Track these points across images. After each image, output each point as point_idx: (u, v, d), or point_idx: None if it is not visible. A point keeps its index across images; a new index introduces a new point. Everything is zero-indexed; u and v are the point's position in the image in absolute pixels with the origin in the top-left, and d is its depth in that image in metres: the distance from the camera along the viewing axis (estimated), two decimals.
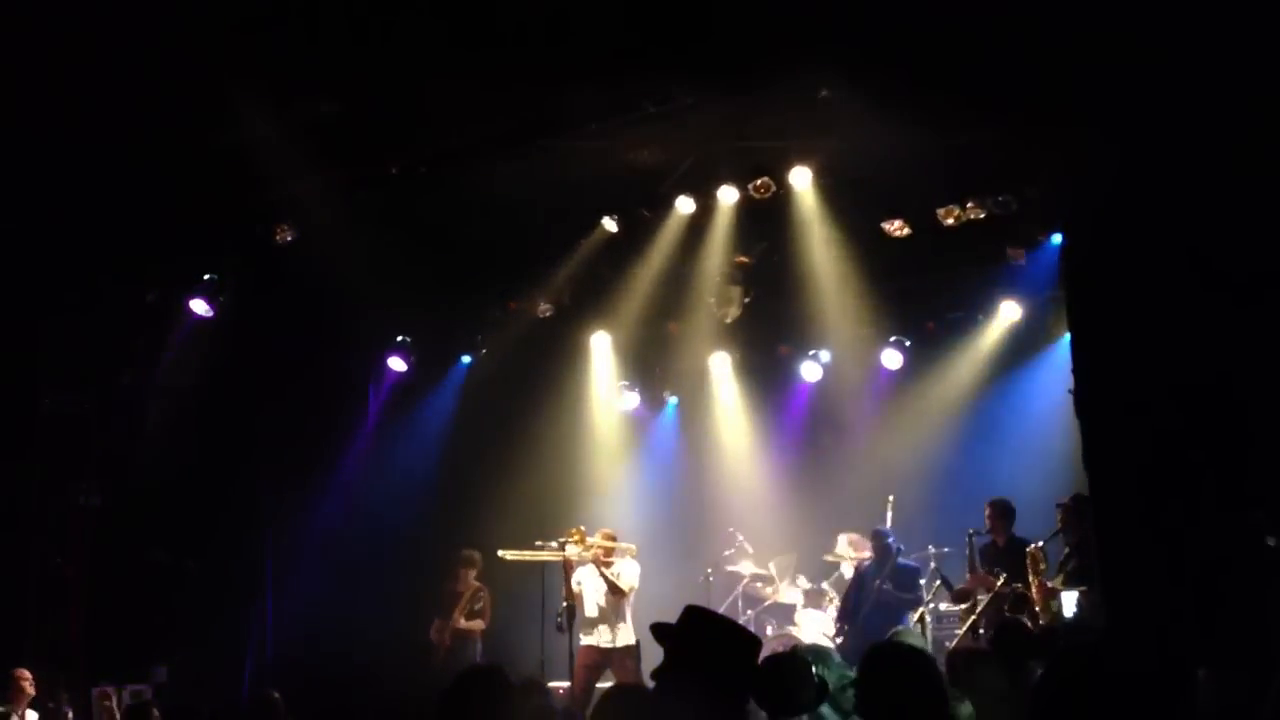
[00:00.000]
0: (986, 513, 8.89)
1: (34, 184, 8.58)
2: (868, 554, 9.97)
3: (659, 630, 3.18)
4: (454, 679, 3.33)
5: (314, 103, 8.52)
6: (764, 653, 9.75)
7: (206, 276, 10.27)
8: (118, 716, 8.13)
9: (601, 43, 7.53)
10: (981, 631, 8.16)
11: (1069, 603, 7.65)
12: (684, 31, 7.44)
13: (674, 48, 7.55)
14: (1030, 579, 8.13)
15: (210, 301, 10.29)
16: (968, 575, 8.79)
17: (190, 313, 10.31)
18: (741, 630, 3.20)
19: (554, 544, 9.20)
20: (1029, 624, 7.81)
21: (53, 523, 10.29)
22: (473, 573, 10.51)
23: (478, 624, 10.44)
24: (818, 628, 10.31)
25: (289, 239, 10.01)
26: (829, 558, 10.43)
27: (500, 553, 9.66)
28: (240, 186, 9.31)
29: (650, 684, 8.38)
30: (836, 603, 10.22)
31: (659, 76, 8.09)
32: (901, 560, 9.70)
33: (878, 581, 9.37)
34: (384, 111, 8.78)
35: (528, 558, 9.51)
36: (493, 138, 8.83)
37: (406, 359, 11.61)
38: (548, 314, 11.34)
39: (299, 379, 11.15)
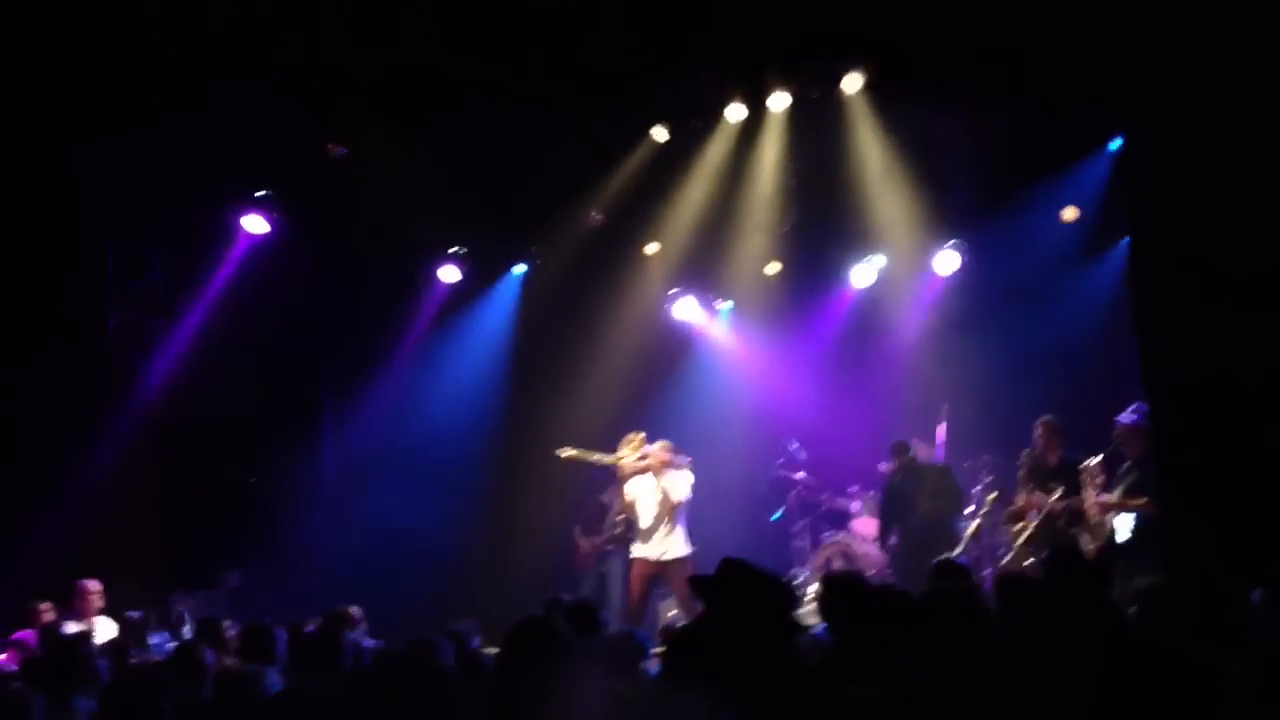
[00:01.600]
0: (1038, 431, 8.81)
1: (95, 110, 8.65)
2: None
3: (697, 583, 3.26)
4: (505, 636, 3.40)
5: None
6: (819, 558, 9.89)
7: (261, 193, 10.38)
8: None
9: None
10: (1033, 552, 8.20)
11: (1123, 527, 7.60)
12: None
13: None
14: (1087, 494, 8.09)
15: (266, 217, 10.43)
16: (1021, 495, 8.76)
17: (246, 230, 10.45)
18: (777, 583, 3.26)
19: (610, 456, 9.30)
20: (1089, 543, 7.82)
21: (126, 438, 10.58)
22: (618, 489, 10.71)
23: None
24: (872, 534, 10.42)
25: (341, 153, 10.06)
26: (883, 466, 10.45)
27: (559, 451, 9.77)
28: (292, 102, 9.33)
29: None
30: None
31: None
32: (929, 463, 9.77)
33: (920, 497, 9.40)
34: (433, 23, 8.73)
35: (588, 458, 9.62)
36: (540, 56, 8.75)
37: (461, 269, 11.69)
38: (600, 223, 11.33)
39: (355, 291, 11.29)
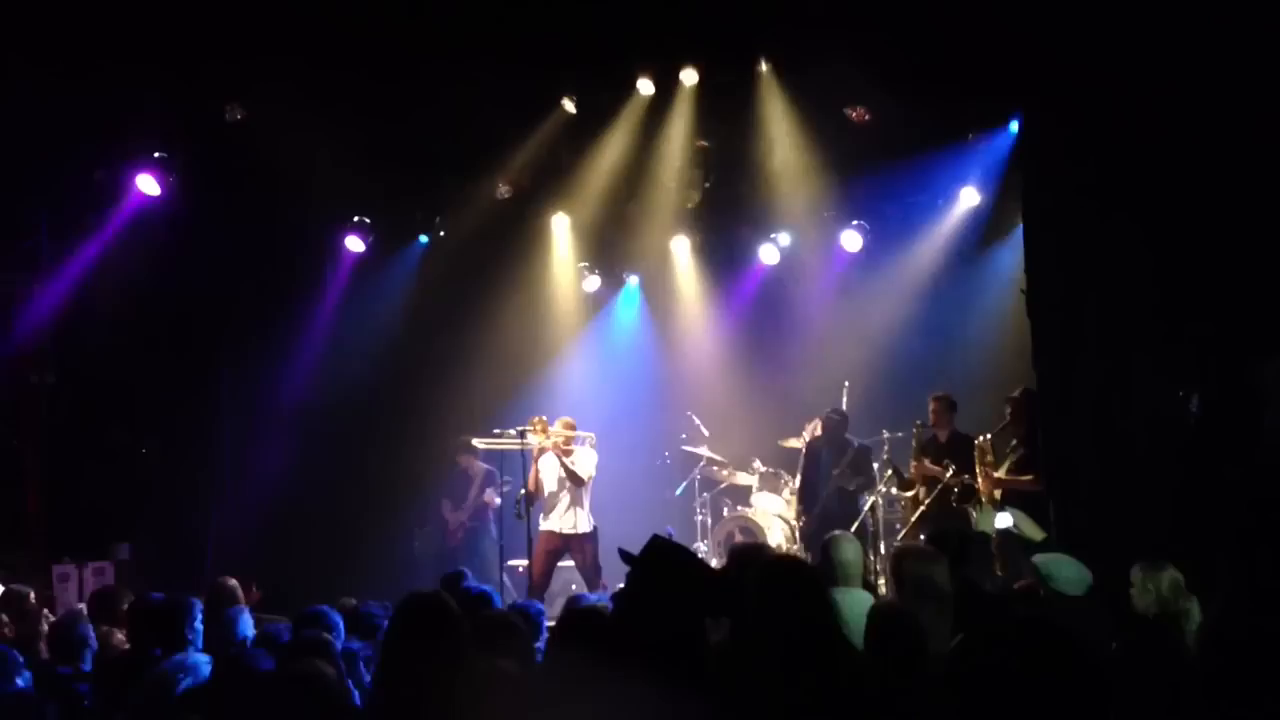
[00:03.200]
0: (931, 406, 9.02)
1: None
2: (816, 432, 10.09)
3: (624, 556, 3.24)
4: (394, 611, 3.33)
5: None
6: (720, 533, 9.95)
7: (156, 155, 10.05)
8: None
9: None
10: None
11: (1002, 519, 7.80)
12: None
13: None
14: (977, 470, 8.28)
15: (159, 179, 10.10)
16: (912, 465, 8.95)
17: (139, 191, 10.11)
18: (701, 565, 3.26)
19: (513, 431, 9.28)
20: (971, 515, 8.01)
21: (6, 402, 10.23)
22: (470, 457, 10.64)
23: (497, 500, 10.67)
24: (773, 509, 10.53)
25: (239, 117, 9.79)
26: (786, 443, 10.55)
27: (474, 441, 9.72)
28: (190, 62, 9.04)
29: (603, 566, 8.56)
30: (792, 485, 10.39)
31: None
32: (857, 442, 9.88)
33: (835, 470, 9.49)
34: None
35: (498, 446, 9.61)
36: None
37: (365, 239, 11.47)
38: (507, 195, 11.21)
39: (254, 257, 11.02)
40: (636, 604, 3.12)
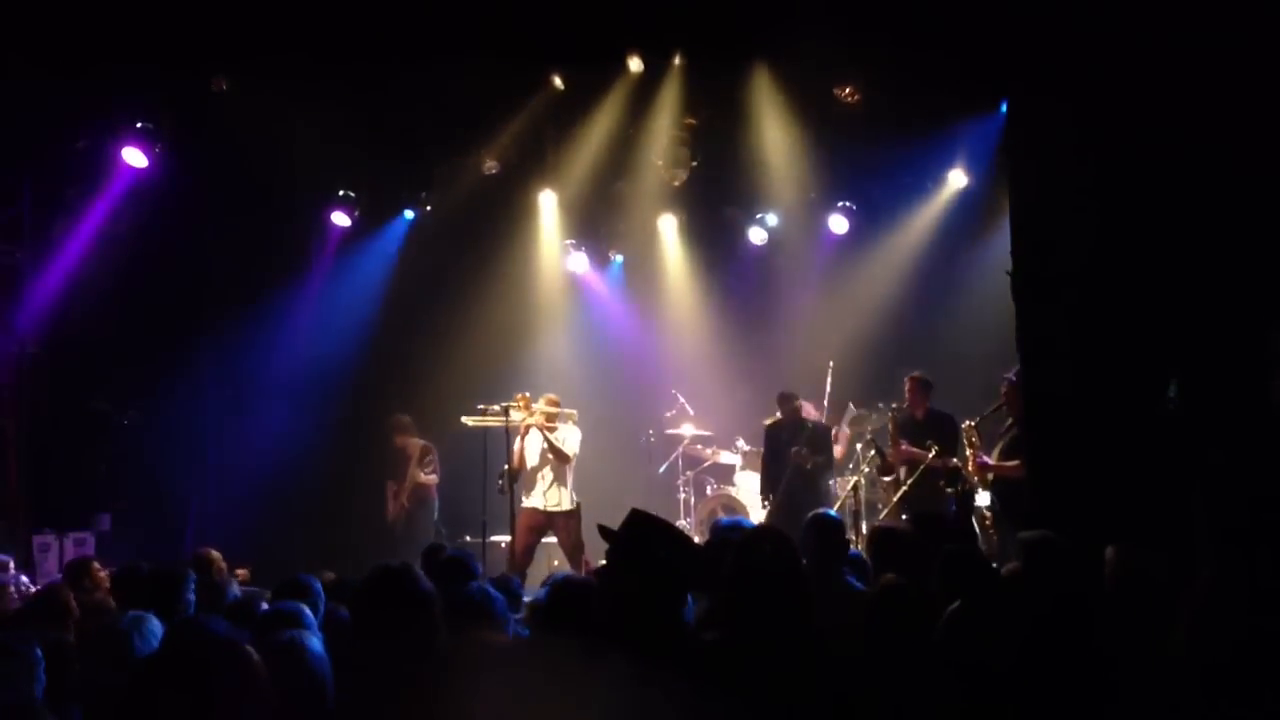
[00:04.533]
0: (906, 387, 9.03)
1: None
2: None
3: (604, 532, 3.22)
4: (362, 582, 3.27)
5: None
6: (702, 511, 9.96)
7: (140, 125, 9.97)
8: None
9: None
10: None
11: (983, 497, 7.83)
12: None
13: None
14: (967, 454, 8.31)
15: (145, 150, 10.02)
16: (891, 449, 8.97)
17: (123, 161, 10.04)
18: (681, 537, 3.25)
19: (497, 408, 9.27)
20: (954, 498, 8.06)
21: None
22: (405, 435, 10.62)
23: (433, 479, 10.63)
24: (755, 488, 10.55)
25: (225, 88, 9.71)
26: (769, 421, 10.57)
27: (464, 419, 9.72)
28: (176, 33, 8.95)
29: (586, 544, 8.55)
30: None
31: None
32: (813, 422, 9.89)
33: (794, 448, 9.47)
34: None
35: (487, 423, 9.60)
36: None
37: (350, 214, 11.42)
38: (494, 171, 11.16)
39: (239, 230, 10.98)
40: (617, 578, 3.11)
